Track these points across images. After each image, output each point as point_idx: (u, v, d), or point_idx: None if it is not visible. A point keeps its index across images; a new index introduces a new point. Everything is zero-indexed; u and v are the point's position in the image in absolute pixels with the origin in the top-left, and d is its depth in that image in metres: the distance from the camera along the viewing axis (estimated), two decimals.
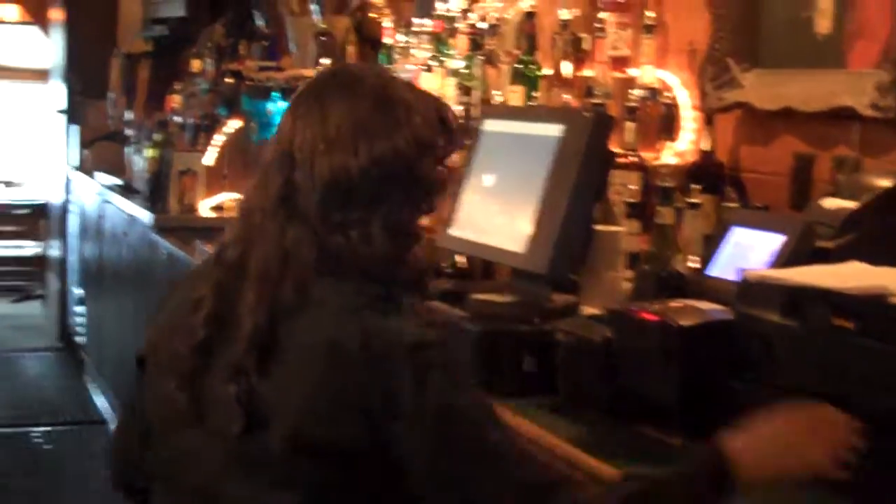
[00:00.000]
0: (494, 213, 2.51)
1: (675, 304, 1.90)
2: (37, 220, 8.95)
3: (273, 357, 1.50)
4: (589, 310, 2.34)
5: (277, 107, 5.04)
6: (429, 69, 3.34)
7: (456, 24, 3.29)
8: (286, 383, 1.49)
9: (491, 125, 2.62)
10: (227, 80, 5.51)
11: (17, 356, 7.38)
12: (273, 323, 1.51)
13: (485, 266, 2.80)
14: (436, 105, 1.62)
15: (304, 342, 1.50)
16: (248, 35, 5.66)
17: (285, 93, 4.98)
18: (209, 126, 5.59)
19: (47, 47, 8.99)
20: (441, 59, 3.31)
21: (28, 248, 9.17)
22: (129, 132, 6.40)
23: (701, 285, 2.10)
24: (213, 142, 5.44)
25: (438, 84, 3.29)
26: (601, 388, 1.99)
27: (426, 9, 4.30)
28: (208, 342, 1.56)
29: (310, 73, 4.43)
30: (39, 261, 8.69)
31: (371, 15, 4.53)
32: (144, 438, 1.67)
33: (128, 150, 6.12)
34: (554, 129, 2.35)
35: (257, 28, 5.43)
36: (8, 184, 10.47)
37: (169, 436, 1.62)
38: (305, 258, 1.53)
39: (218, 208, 5.31)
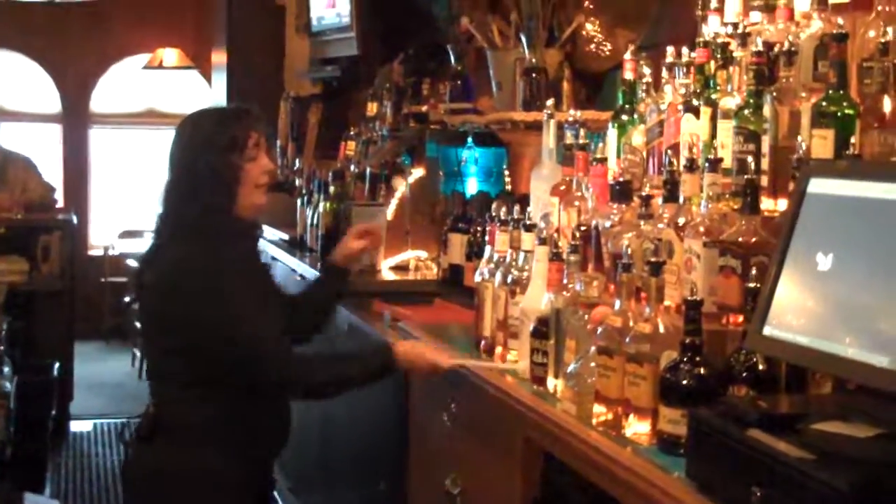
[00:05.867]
0: (836, 307, 1.83)
1: None
2: None
3: None
4: None
5: (472, 154, 4.45)
6: (691, 110, 2.68)
7: (731, 52, 2.62)
8: None
9: (821, 186, 1.95)
10: (411, 124, 4.94)
11: None
12: None
13: (791, 372, 2.10)
14: None
15: None
16: (432, 73, 5.11)
17: (482, 138, 4.39)
18: (389, 176, 5.04)
19: (209, 92, 8.67)
20: (710, 96, 2.64)
21: None
22: (298, 182, 5.90)
23: None
24: (394, 194, 4.90)
25: (706, 128, 2.63)
26: None
27: (656, 36, 3.68)
28: None
29: (519, 115, 3.83)
30: None
31: (587, 48, 3.93)
32: None
33: (298, 201, 5.61)
34: None
35: (445, 66, 4.86)
36: None
37: None
38: None
39: (401, 268, 4.74)
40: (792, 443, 1.74)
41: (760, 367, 2.09)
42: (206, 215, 2.79)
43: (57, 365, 6.49)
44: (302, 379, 2.83)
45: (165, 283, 2.81)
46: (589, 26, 3.95)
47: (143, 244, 9.36)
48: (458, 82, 4.61)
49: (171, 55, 10.34)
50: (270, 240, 5.64)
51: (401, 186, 4.92)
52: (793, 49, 2.43)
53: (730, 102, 2.59)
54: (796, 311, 1.90)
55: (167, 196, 2.87)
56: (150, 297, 2.87)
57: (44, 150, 10.18)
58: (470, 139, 4.50)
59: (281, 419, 2.95)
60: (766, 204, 2.39)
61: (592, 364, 2.39)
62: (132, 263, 9.25)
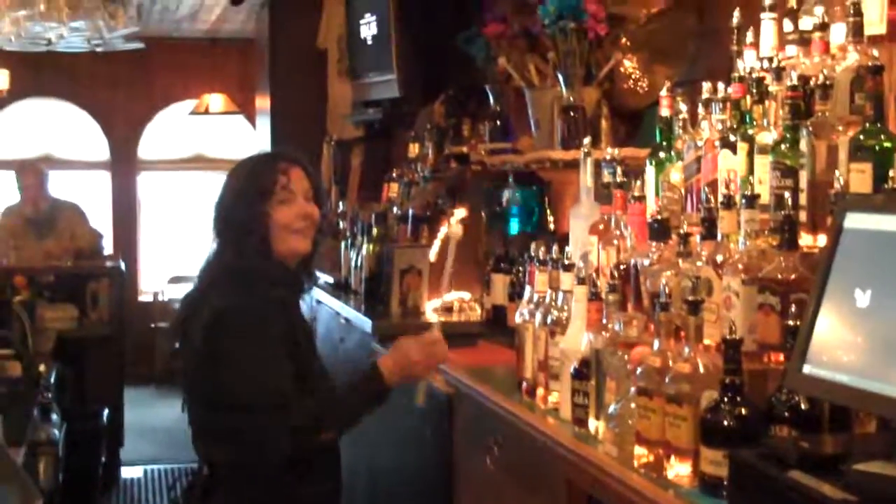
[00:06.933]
0: (875, 344, 1.80)
1: None
2: None
3: None
4: None
5: (513, 194, 4.45)
6: (728, 146, 2.66)
7: (767, 87, 2.61)
8: None
9: (858, 221, 1.92)
10: (452, 165, 4.96)
11: None
12: None
13: (834, 410, 2.06)
14: None
15: None
16: (472, 114, 5.13)
17: (523, 177, 4.39)
18: (432, 217, 5.05)
19: (254, 137, 8.76)
20: (747, 131, 2.63)
21: None
22: (342, 225, 5.93)
23: None
24: (437, 235, 4.90)
25: (744, 164, 2.61)
26: None
27: (693, 72, 3.67)
28: None
29: (557, 154, 3.83)
30: None
31: (625, 85, 3.92)
32: None
33: (342, 244, 5.63)
34: None
35: (485, 106, 4.88)
36: None
37: None
38: None
39: (445, 310, 4.73)
40: (834, 484, 1.71)
41: (803, 406, 2.06)
42: (246, 260, 2.76)
43: (106, 411, 6.54)
44: (307, 444, 2.66)
45: (204, 336, 2.69)
46: (627, 63, 3.95)
47: None
48: (498, 122, 4.63)
49: (216, 101, 10.47)
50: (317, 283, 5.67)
51: (443, 228, 4.92)
52: (828, 82, 2.41)
53: (766, 137, 2.57)
54: (835, 349, 1.87)
55: (213, 242, 2.86)
56: (189, 348, 2.76)
57: (93, 197, 10.33)
58: (511, 179, 4.49)
59: (336, 490, 2.85)
60: (806, 240, 2.37)
61: (633, 405, 2.37)
62: None
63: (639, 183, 2.91)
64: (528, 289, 3.14)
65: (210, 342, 2.68)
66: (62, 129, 10.73)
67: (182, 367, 2.81)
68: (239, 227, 2.74)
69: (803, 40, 2.69)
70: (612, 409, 2.46)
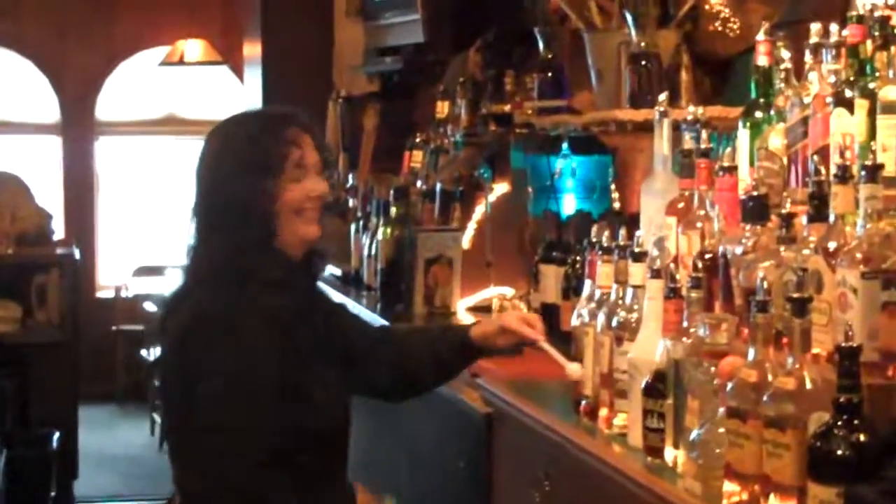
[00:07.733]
0: None
1: None
2: None
3: None
4: None
5: (569, 163, 4.47)
6: (843, 103, 2.67)
7: (893, 29, 2.62)
8: None
9: None
10: (490, 127, 4.98)
11: None
12: None
13: None
14: None
15: None
16: (517, 65, 5.14)
17: (581, 143, 4.40)
18: (465, 193, 5.08)
19: (241, 92, 8.81)
20: (867, 85, 2.64)
21: None
22: (352, 202, 5.97)
23: None
24: (472, 215, 4.94)
25: (863, 126, 2.62)
26: None
27: (798, 10, 3.67)
28: None
29: (625, 114, 3.84)
30: None
31: (711, 27, 3.93)
32: None
33: (352, 227, 5.67)
34: None
35: (533, 54, 4.89)
36: None
37: None
38: None
39: (482, 310, 4.76)
40: None
41: None
42: (240, 253, 2.79)
43: (57, 435, 6.60)
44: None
45: (178, 341, 2.80)
46: (712, 0, 3.96)
47: (165, 284, 9.48)
48: (549, 74, 4.63)
49: (193, 48, 10.52)
50: None
51: (479, 206, 4.95)
52: None
53: (892, 93, 2.58)
54: None
55: (195, 226, 2.89)
56: (164, 356, 2.89)
57: (40, 167, 10.41)
58: (565, 145, 4.51)
59: None
60: None
61: (721, 430, 2.39)
62: (150, 308, 9.41)
63: (729, 150, 2.92)
64: (587, 283, 3.17)
65: (185, 347, 2.77)
66: (2, 85, 10.81)
67: (161, 377, 2.89)
68: (235, 213, 2.77)
69: None
70: (694, 434, 2.48)
